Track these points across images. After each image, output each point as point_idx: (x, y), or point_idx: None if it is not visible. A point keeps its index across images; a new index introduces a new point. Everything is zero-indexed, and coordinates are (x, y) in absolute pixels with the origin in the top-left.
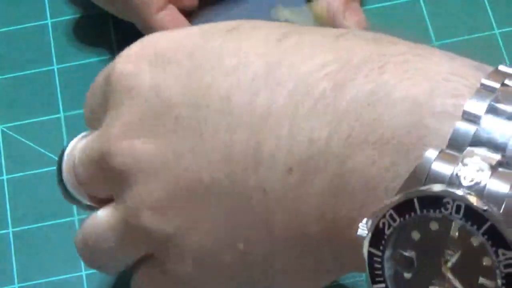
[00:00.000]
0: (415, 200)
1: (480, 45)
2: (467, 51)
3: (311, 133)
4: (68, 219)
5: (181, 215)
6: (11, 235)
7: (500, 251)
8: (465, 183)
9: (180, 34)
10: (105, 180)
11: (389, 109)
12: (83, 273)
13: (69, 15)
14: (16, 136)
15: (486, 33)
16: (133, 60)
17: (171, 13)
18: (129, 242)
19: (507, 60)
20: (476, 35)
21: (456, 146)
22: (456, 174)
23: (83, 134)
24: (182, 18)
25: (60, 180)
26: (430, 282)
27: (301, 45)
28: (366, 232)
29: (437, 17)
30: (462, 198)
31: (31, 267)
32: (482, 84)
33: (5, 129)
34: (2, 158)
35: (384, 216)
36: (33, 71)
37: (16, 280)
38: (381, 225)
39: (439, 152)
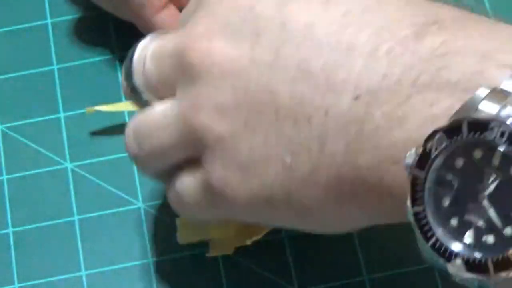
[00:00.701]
0: (464, 124)
1: None
2: None
3: (386, 69)
4: (68, 219)
5: (239, 121)
6: (11, 235)
7: None
8: (510, 118)
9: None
10: (174, 75)
11: (457, 59)
12: (83, 273)
13: (69, 15)
14: (16, 136)
15: None
16: (207, 34)
17: (171, 13)
18: (180, 140)
19: None
20: None
21: (507, 90)
22: (502, 110)
23: (152, 35)
24: None
25: (129, 73)
26: (466, 209)
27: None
28: (413, 158)
29: None
30: (507, 125)
31: (31, 267)
32: None
33: (5, 129)
34: (2, 158)
35: (432, 139)
36: (33, 71)
37: (16, 280)
38: (428, 148)
39: (490, 91)
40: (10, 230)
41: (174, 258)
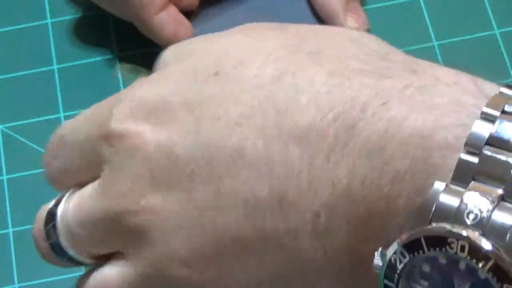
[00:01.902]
0: (422, 239)
1: (480, 45)
2: (466, 51)
3: (332, 176)
4: None
5: (211, 267)
6: (11, 235)
7: (505, 285)
8: (469, 219)
9: (163, 82)
10: (113, 239)
11: (399, 148)
12: (83, 273)
13: (69, 15)
14: (16, 136)
15: (486, 33)
16: (127, 117)
17: (171, 13)
18: None
19: (507, 60)
20: (476, 35)
21: (460, 179)
22: (460, 211)
23: (65, 195)
24: (182, 18)
25: (50, 234)
26: None
27: (300, 86)
28: (381, 263)
29: (437, 17)
30: (466, 238)
31: (31, 267)
32: (482, 113)
33: (5, 129)
34: (2, 158)
35: (395, 253)
36: (33, 71)
37: (16, 280)
38: (392, 260)
39: (444, 188)
40: (10, 230)
41: None
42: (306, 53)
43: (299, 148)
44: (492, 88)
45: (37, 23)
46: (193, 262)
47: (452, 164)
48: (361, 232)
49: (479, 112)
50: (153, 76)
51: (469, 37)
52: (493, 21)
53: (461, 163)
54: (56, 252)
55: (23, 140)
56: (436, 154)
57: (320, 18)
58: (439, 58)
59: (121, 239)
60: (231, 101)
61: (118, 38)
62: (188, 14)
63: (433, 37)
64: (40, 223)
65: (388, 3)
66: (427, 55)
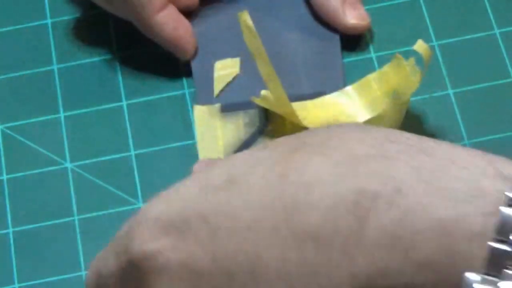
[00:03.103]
0: None
1: (480, 45)
2: (466, 51)
3: (352, 268)
4: (68, 219)
5: None
6: (11, 235)
7: None
8: None
9: (179, 199)
10: None
11: (418, 237)
12: (83, 273)
13: (69, 15)
14: (16, 136)
15: (486, 33)
16: (147, 238)
17: (171, 13)
18: None
19: (507, 60)
20: (476, 35)
21: (493, 269)
22: None
23: None
24: (182, 18)
25: None
26: None
27: (307, 182)
28: None
29: (437, 17)
30: None
31: (31, 267)
32: (507, 198)
33: (5, 129)
34: (2, 158)
35: None
36: (33, 71)
37: (16, 280)
38: None
39: (480, 279)
40: (10, 230)
41: None
42: (310, 146)
43: (313, 244)
44: (509, 167)
45: (37, 23)
46: None
47: (481, 253)
48: None
49: (502, 197)
50: (169, 191)
51: (469, 37)
52: (493, 21)
53: (493, 252)
54: None
55: (23, 140)
56: (462, 243)
57: (320, 17)
58: (439, 58)
59: None
60: (241, 208)
61: (118, 38)
62: (188, 14)
63: (433, 37)
64: None
65: (388, 3)
66: None
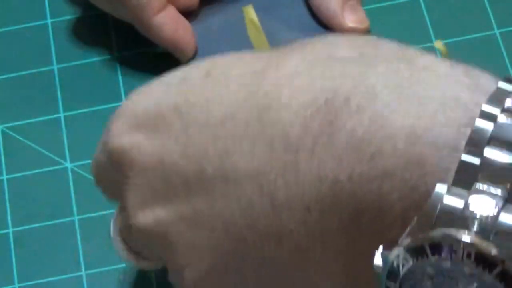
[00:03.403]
0: (426, 246)
1: (480, 45)
2: (466, 51)
3: (318, 171)
4: (68, 219)
5: (219, 271)
6: (11, 235)
7: None
8: (474, 224)
9: (156, 91)
10: (148, 247)
11: (387, 142)
12: (83, 273)
13: (69, 15)
14: (16, 136)
15: (486, 33)
16: (123, 132)
17: (170, 14)
18: None
19: (507, 60)
20: (476, 35)
21: (463, 181)
22: (465, 215)
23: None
24: (182, 18)
25: None
26: None
27: (282, 79)
28: (381, 263)
29: (437, 17)
30: (472, 245)
31: (31, 267)
32: (482, 111)
33: (5, 129)
34: (2, 158)
35: (397, 256)
36: (33, 71)
37: (16, 280)
38: (395, 264)
39: (447, 191)
40: (10, 230)
41: None
42: (289, 49)
43: (282, 144)
44: (486, 80)
45: (37, 23)
46: (204, 272)
47: (451, 165)
48: (355, 227)
49: (477, 109)
50: (150, 85)
51: (469, 37)
52: (493, 21)
53: (463, 164)
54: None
55: (23, 140)
56: (432, 153)
57: (319, 18)
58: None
59: (153, 248)
60: (216, 102)
61: (118, 38)
62: (188, 14)
63: (433, 37)
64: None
65: (388, 3)
66: None
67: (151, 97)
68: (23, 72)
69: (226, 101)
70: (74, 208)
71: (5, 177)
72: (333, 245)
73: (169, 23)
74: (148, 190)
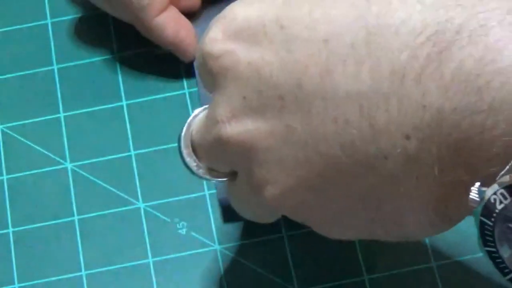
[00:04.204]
0: None
1: None
2: None
3: (423, 99)
4: (68, 219)
5: (304, 192)
6: (11, 235)
7: None
8: None
9: (260, 2)
10: (224, 160)
11: (496, 77)
12: (83, 273)
13: (69, 15)
14: (16, 136)
15: None
16: (220, 39)
17: (172, 14)
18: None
19: None
20: None
21: None
22: None
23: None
24: (184, 19)
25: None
26: None
27: (393, 4)
28: (478, 198)
29: None
30: None
31: (31, 267)
32: None
33: (5, 129)
34: (2, 158)
35: (495, 193)
36: (33, 71)
37: (16, 280)
38: (492, 199)
39: None
40: (10, 230)
41: (174, 258)
42: None
43: (389, 68)
44: None
45: (37, 23)
46: (286, 185)
47: None
48: (452, 159)
49: None
50: None
51: None
52: None
53: None
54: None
55: (23, 140)
56: None
57: None
58: None
59: (229, 162)
60: (322, 20)
61: (118, 38)
62: (190, 15)
63: None
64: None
65: None
66: None
67: (254, 8)
68: (23, 72)
69: (333, 21)
70: (74, 208)
71: (5, 177)
72: (427, 177)
73: (171, 24)
74: (239, 101)
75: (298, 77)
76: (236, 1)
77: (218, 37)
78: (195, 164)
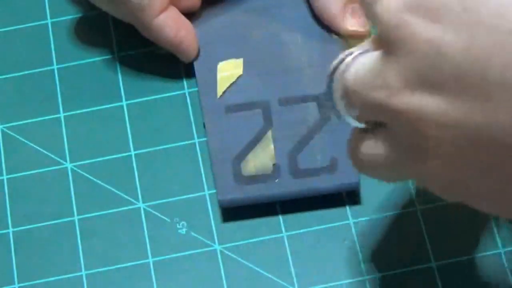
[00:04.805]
0: None
1: None
2: None
3: None
4: (68, 219)
5: (465, 173)
6: (11, 235)
7: None
8: None
9: None
10: (378, 116)
11: None
12: (83, 273)
13: (69, 15)
14: (16, 136)
15: None
16: (399, 10)
17: (172, 15)
18: None
19: None
20: None
21: None
22: None
23: (354, 53)
24: (184, 19)
25: (329, 86)
26: None
27: None
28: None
29: None
30: None
31: (31, 267)
32: None
33: (5, 129)
34: (2, 158)
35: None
36: (33, 71)
37: (16, 280)
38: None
39: None
40: (10, 230)
41: (173, 258)
42: None
43: None
44: None
45: (37, 23)
46: (451, 169)
47: None
48: None
49: None
50: None
51: None
52: None
53: None
54: (326, 100)
55: (23, 140)
56: None
57: (321, 20)
58: None
59: (384, 119)
60: (511, 8)
61: (118, 38)
62: (190, 15)
63: None
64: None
65: None
66: None
67: None
68: (23, 72)
69: None
70: (74, 208)
71: (5, 177)
72: None
73: (171, 24)
74: (414, 74)
75: (481, 65)
76: None
77: (397, 8)
78: (344, 109)
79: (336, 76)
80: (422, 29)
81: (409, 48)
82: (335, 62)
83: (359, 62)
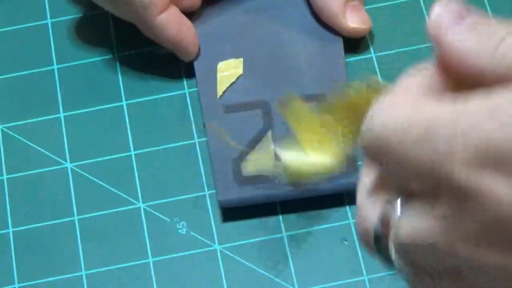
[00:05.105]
0: None
1: None
2: None
3: None
4: (68, 219)
5: None
6: (11, 235)
7: None
8: None
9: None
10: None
11: None
12: (83, 273)
13: (69, 15)
14: (16, 136)
15: None
16: (472, 166)
17: (173, 14)
18: None
19: None
20: None
21: None
22: None
23: (392, 212)
24: (184, 19)
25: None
26: None
27: None
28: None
29: None
30: None
31: (31, 267)
32: None
33: (5, 129)
34: (2, 158)
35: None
36: (33, 71)
37: (16, 280)
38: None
39: None
40: (10, 230)
41: (173, 258)
42: None
43: None
44: None
45: (37, 23)
46: None
47: None
48: None
49: None
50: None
51: None
52: None
53: None
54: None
55: (23, 140)
56: None
57: (321, 19)
58: None
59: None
60: None
61: (118, 38)
62: (190, 14)
63: None
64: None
65: (388, 3)
66: (428, 55)
67: (503, 130)
68: (23, 72)
69: None
70: (74, 208)
71: (5, 177)
72: None
73: (172, 23)
74: (478, 229)
75: None
76: (466, 116)
77: (470, 161)
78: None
79: (385, 243)
80: (505, 188)
81: (492, 216)
82: (375, 228)
83: (412, 226)
